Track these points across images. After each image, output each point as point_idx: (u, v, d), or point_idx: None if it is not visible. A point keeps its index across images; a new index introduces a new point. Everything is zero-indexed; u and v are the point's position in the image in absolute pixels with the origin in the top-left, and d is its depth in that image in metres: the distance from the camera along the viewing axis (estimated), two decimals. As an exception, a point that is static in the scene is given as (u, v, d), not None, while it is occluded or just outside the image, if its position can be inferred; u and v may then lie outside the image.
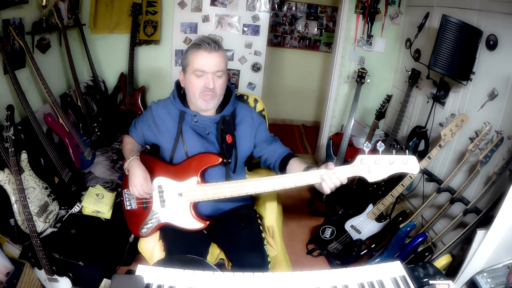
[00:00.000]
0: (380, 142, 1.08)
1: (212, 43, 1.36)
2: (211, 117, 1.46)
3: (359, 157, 1.13)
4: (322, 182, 1.18)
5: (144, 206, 1.48)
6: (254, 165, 1.78)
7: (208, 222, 1.43)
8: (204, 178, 1.41)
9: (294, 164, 1.40)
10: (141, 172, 1.40)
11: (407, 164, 1.10)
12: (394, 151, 1.11)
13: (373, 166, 1.12)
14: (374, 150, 1.12)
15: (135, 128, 1.61)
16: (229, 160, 1.44)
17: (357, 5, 3.04)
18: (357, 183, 2.55)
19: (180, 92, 1.51)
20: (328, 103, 3.37)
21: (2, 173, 1.60)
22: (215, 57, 1.37)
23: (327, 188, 1.18)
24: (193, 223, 1.42)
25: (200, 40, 1.38)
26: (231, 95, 1.51)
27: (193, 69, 1.37)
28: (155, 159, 1.52)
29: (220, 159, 1.39)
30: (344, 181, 1.18)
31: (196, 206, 1.43)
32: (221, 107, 1.49)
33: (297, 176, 1.23)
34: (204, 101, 1.40)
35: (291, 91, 4.64)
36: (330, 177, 1.17)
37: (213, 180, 1.40)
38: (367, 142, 1.14)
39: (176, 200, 1.42)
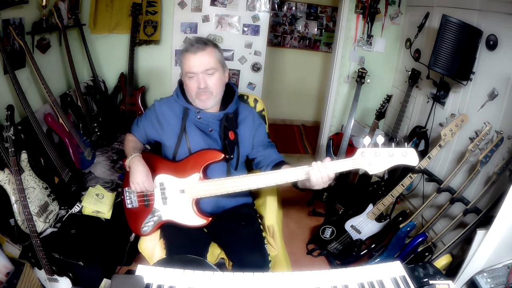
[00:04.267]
0: (380, 135, 1.10)
1: (196, 44, 1.39)
2: (214, 114, 1.47)
3: (359, 150, 1.15)
4: (310, 171, 1.20)
5: (146, 204, 1.48)
6: (251, 165, 1.79)
7: (210, 219, 1.43)
8: (206, 175, 1.42)
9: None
10: (143, 169, 1.40)
11: (407, 156, 1.13)
12: (393, 144, 1.13)
13: (374, 158, 1.14)
14: (374, 146, 1.14)
15: (137, 127, 1.61)
16: (231, 156, 1.45)
17: (357, 5, 3.04)
18: (357, 182, 2.55)
19: (182, 90, 1.51)
20: (328, 103, 3.37)
21: (2, 173, 1.60)
22: (201, 56, 1.38)
23: (314, 177, 1.19)
24: (195, 220, 1.42)
25: (187, 43, 1.42)
26: (234, 93, 1.53)
27: (184, 72, 1.41)
28: (156, 157, 1.53)
29: (222, 155, 1.40)
30: (331, 175, 1.20)
31: (198, 203, 1.43)
32: (224, 104, 1.51)
33: (299, 170, 1.25)
34: (201, 101, 1.43)
35: (291, 91, 4.64)
36: (319, 167, 1.19)
37: (215, 176, 1.41)
38: (367, 136, 1.16)
39: (178, 197, 1.42)
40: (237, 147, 1.49)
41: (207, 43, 1.41)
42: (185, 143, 1.46)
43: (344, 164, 1.18)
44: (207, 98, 1.42)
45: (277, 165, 1.48)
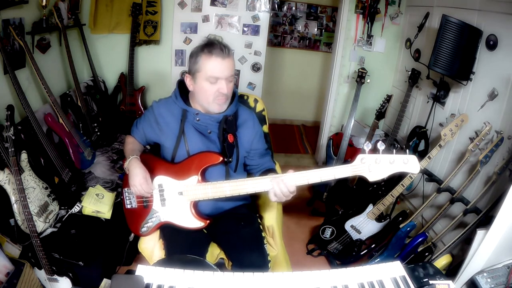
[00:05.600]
0: (380, 141, 1.09)
1: (224, 48, 1.35)
2: (213, 116, 1.46)
3: (359, 156, 1.13)
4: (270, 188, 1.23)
5: (145, 205, 1.48)
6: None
7: (208, 221, 1.43)
8: (204, 177, 1.41)
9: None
10: (140, 171, 1.40)
11: (408, 163, 1.11)
12: (394, 150, 1.11)
13: (374, 165, 1.12)
14: (374, 150, 1.12)
15: (136, 128, 1.61)
16: (230, 159, 1.44)
17: (357, 5, 3.04)
18: (357, 183, 2.55)
19: (181, 91, 1.50)
20: (328, 103, 3.37)
21: (2, 173, 1.60)
22: (228, 62, 1.36)
23: (273, 194, 1.23)
24: (193, 222, 1.42)
25: (211, 44, 1.35)
26: (234, 95, 1.52)
27: (206, 75, 1.35)
28: (156, 158, 1.53)
29: (221, 158, 1.40)
30: (291, 189, 1.22)
31: (196, 205, 1.43)
32: None
33: (299, 174, 1.23)
34: (218, 105, 1.40)
35: (291, 91, 4.64)
36: (277, 183, 1.21)
37: (213, 179, 1.41)
38: (367, 141, 1.15)
39: (176, 199, 1.42)
40: (237, 149, 1.48)
41: (230, 49, 1.38)
42: (184, 145, 1.46)
43: (343, 171, 1.17)
44: (224, 102, 1.41)
45: (265, 173, 1.49)
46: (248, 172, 1.59)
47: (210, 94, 1.37)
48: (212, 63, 1.33)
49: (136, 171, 1.40)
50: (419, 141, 2.50)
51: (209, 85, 1.36)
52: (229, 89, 1.39)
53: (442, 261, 1.90)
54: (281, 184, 1.21)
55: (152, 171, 1.45)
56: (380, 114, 2.56)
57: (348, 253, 2.19)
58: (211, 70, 1.34)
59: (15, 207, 1.63)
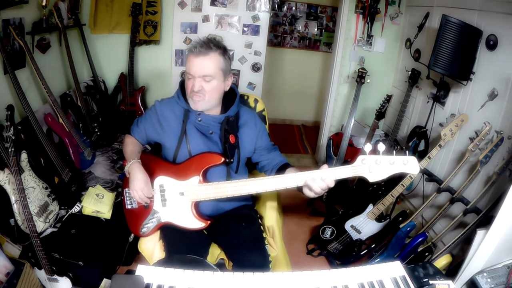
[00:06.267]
0: (380, 142, 1.09)
1: (200, 48, 1.34)
2: (215, 117, 1.46)
3: (360, 157, 1.14)
4: (308, 184, 1.23)
5: (145, 205, 1.48)
6: (254, 166, 1.79)
7: (209, 222, 1.43)
8: (206, 178, 1.41)
9: (290, 172, 1.41)
10: (141, 176, 1.41)
11: (408, 164, 1.12)
12: (394, 151, 1.12)
13: (374, 166, 1.13)
14: (374, 151, 1.13)
15: (137, 127, 1.60)
16: (231, 160, 1.45)
17: (357, 5, 3.04)
18: (357, 183, 2.55)
19: (183, 91, 1.51)
20: (328, 103, 3.37)
21: (2, 173, 1.60)
22: (202, 61, 1.35)
23: (310, 192, 1.24)
24: (194, 223, 1.42)
25: (193, 43, 1.40)
26: (235, 96, 1.52)
27: (186, 71, 1.41)
28: (157, 158, 1.53)
29: (222, 159, 1.40)
30: (331, 184, 1.21)
31: (197, 206, 1.43)
32: (225, 107, 1.50)
33: (299, 176, 1.25)
34: (193, 102, 1.42)
35: (291, 91, 4.64)
36: (314, 181, 1.20)
37: (214, 179, 1.41)
38: (367, 142, 1.15)
39: (177, 200, 1.42)
40: (238, 150, 1.48)
41: (212, 48, 1.36)
42: (185, 145, 1.46)
43: (344, 172, 1.18)
44: (199, 100, 1.40)
45: (281, 168, 1.49)
46: (262, 171, 1.59)
47: (188, 89, 1.41)
48: (188, 60, 1.39)
49: (137, 175, 1.41)
50: (419, 141, 2.50)
51: (187, 80, 1.41)
52: (207, 88, 1.38)
53: (442, 261, 1.90)
54: (320, 181, 1.21)
55: (153, 172, 1.45)
56: (380, 114, 2.56)
57: (348, 253, 2.19)
58: (187, 66, 1.39)
59: (15, 207, 1.63)
